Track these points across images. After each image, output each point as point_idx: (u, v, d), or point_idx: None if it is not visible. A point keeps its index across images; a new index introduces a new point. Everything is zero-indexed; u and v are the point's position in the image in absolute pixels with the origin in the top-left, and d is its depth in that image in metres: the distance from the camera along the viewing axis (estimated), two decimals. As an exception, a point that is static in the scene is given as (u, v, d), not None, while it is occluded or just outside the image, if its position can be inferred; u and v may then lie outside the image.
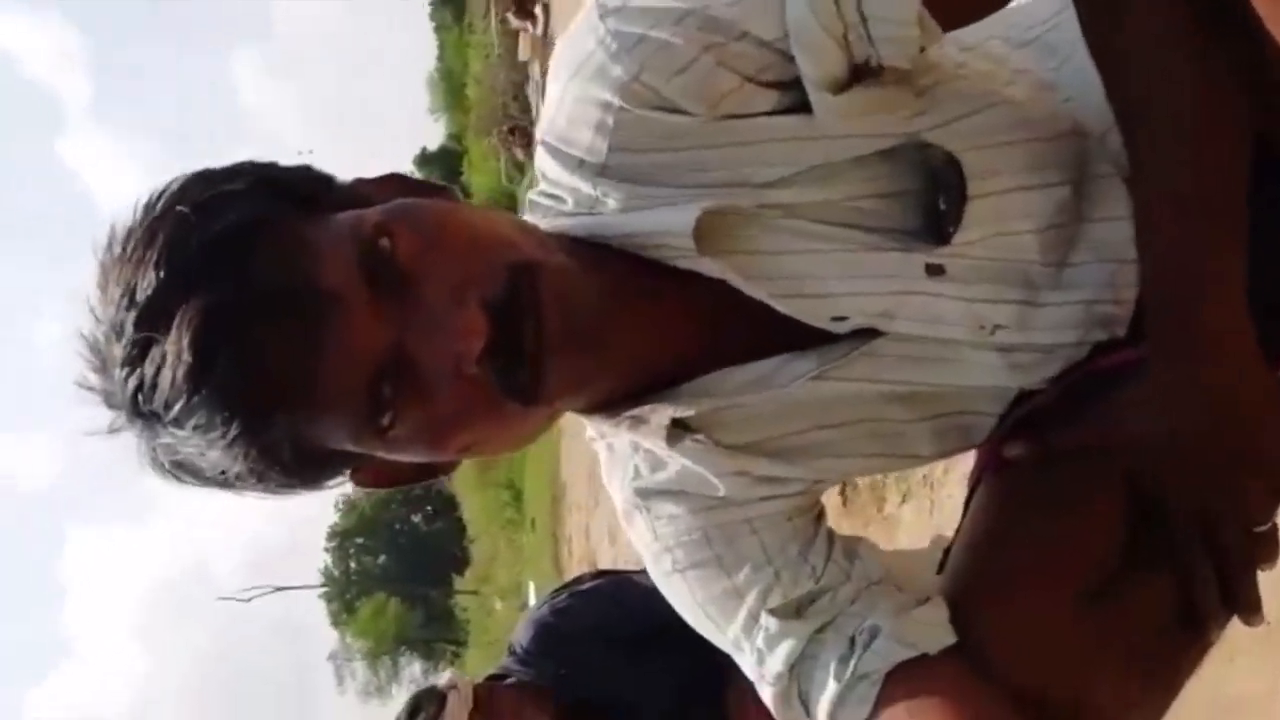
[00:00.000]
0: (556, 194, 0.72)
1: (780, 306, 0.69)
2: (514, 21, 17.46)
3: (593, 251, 0.69)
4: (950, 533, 0.83)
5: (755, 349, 0.72)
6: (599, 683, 2.02)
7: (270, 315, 0.58)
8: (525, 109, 17.82)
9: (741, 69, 0.66)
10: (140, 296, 0.59)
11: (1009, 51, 0.79)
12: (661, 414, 0.72)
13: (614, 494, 0.81)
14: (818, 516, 0.79)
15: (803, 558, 0.74)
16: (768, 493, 0.75)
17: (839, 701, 0.69)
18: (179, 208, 0.61)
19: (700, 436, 0.73)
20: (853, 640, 0.70)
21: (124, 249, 0.61)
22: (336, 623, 49.41)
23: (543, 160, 0.72)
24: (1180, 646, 0.69)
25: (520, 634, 2.09)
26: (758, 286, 0.68)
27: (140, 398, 0.60)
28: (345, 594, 48.35)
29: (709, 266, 0.68)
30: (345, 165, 0.81)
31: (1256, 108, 0.64)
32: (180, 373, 0.57)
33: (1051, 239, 0.72)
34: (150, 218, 0.61)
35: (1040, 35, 0.80)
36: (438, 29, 42.98)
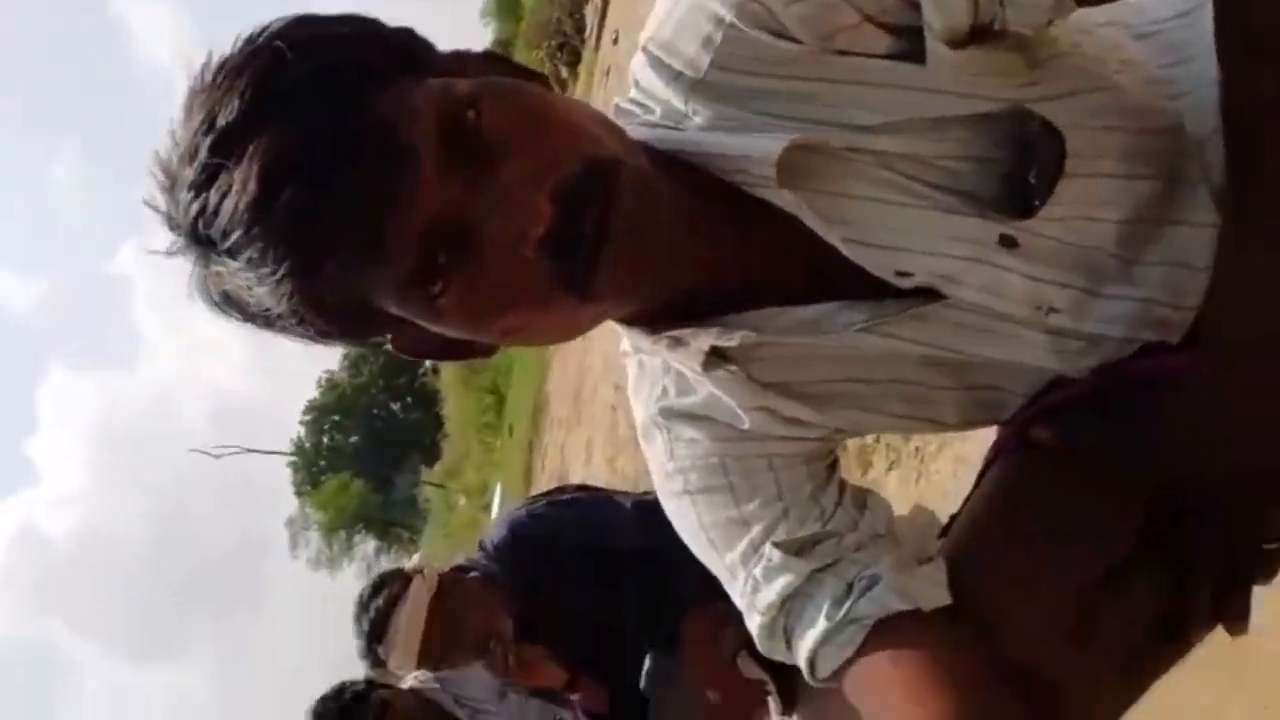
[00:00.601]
0: (646, 103, 0.71)
1: (848, 251, 0.68)
2: (582, -61, 17.00)
3: (670, 164, 0.68)
4: (932, 505, 0.84)
5: (808, 290, 0.71)
6: (560, 591, 2.06)
7: (341, 159, 0.57)
8: (579, 28, 17.42)
9: (862, 5, 0.64)
10: (220, 123, 0.58)
11: (1126, 41, 0.77)
12: (703, 339, 0.72)
13: (637, 409, 0.81)
14: (832, 464, 0.79)
15: (814, 499, 0.75)
16: (789, 433, 0.76)
17: (824, 640, 0.70)
18: (276, 43, 0.60)
19: (734, 368, 0.73)
20: (850, 585, 0.71)
21: (214, 77, 0.60)
22: (299, 492, 50.04)
23: (640, 68, 0.71)
24: (1162, 648, 0.70)
25: (494, 532, 2.12)
26: (829, 228, 0.67)
27: (200, 223, 0.59)
28: (313, 467, 48.88)
29: (785, 199, 0.66)
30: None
31: None
32: (243, 202, 0.57)
33: (1129, 232, 0.71)
34: (247, 50, 0.60)
35: (1162, 30, 0.78)
36: (500, -67, 41.98)
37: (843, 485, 0.78)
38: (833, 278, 0.70)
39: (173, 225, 0.62)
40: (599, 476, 5.05)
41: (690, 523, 0.78)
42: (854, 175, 0.68)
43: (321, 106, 0.57)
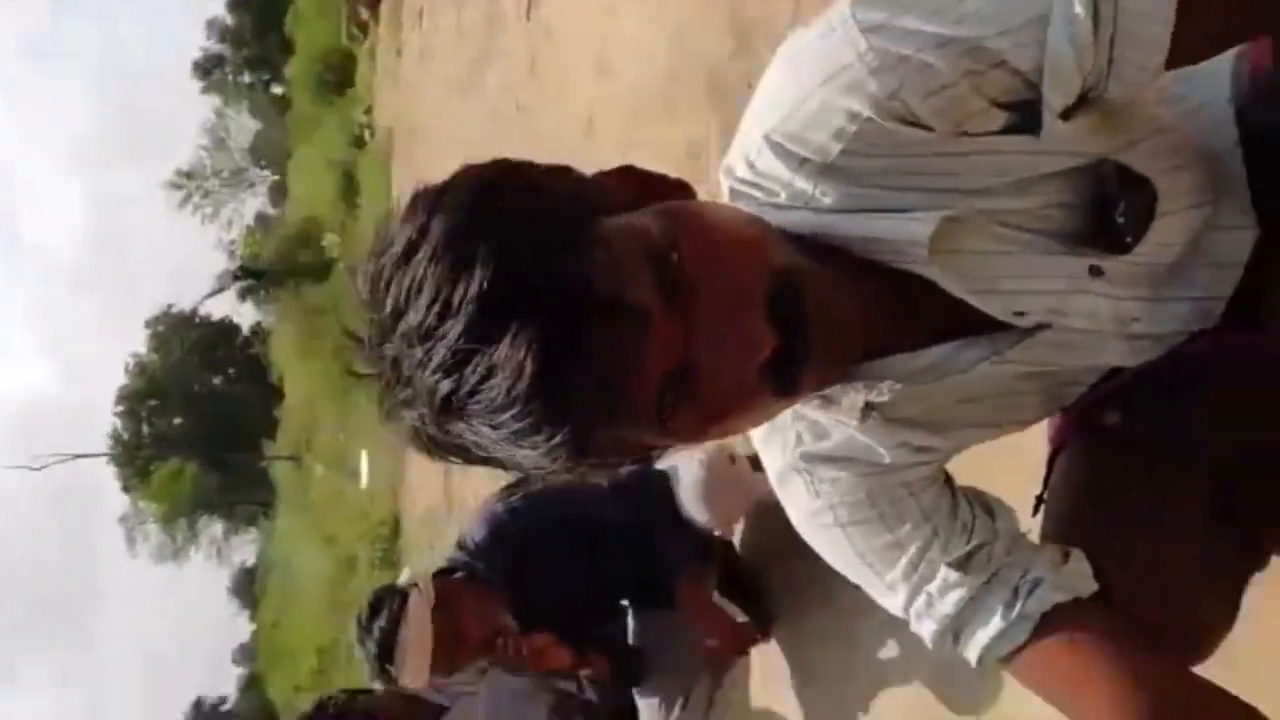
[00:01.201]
0: (766, 186, 0.76)
1: (977, 303, 0.76)
2: None
3: (814, 248, 0.73)
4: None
5: (929, 332, 0.80)
6: (552, 577, 2.14)
7: (594, 337, 0.61)
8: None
9: (989, 93, 0.71)
10: (465, 309, 0.60)
11: None
12: (855, 396, 0.80)
13: (770, 458, 0.88)
14: (947, 478, 0.89)
15: (953, 515, 0.84)
16: (920, 460, 0.85)
17: (999, 636, 0.81)
18: (490, 222, 0.62)
19: (877, 414, 0.82)
20: (1016, 589, 0.81)
21: (423, 250, 0.62)
22: (128, 487, 47.03)
23: (758, 153, 0.75)
24: (1242, 579, 0.85)
25: (474, 530, 2.16)
26: (960, 285, 0.76)
27: (454, 400, 0.62)
28: (136, 459, 45.94)
29: (934, 272, 0.74)
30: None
31: None
32: (519, 388, 0.60)
33: (1188, 247, 0.82)
34: (457, 223, 0.62)
35: None
36: None
37: (965, 495, 0.88)
38: (948, 318, 0.79)
39: (408, 401, 0.64)
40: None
41: (845, 550, 0.86)
42: (975, 233, 0.76)
43: (562, 288, 0.61)
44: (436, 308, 0.61)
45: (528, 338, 0.59)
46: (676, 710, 2.31)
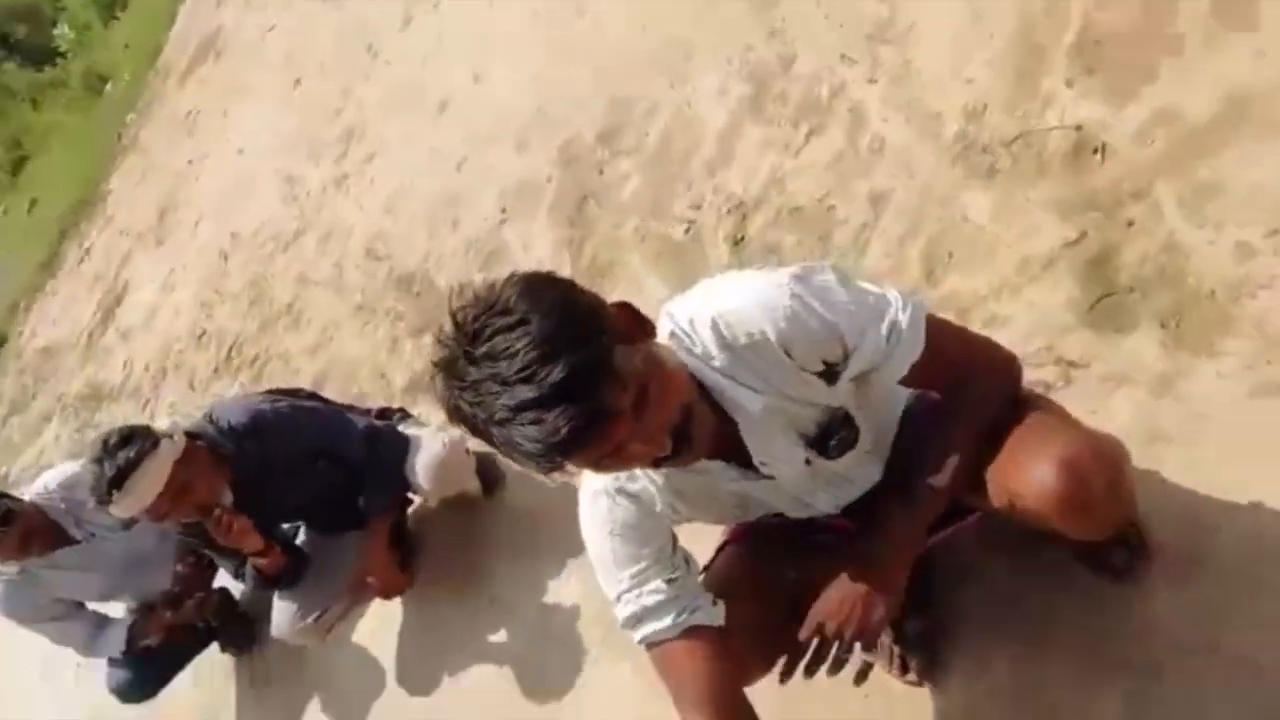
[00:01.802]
0: (693, 339, 1.26)
1: (750, 449, 1.33)
2: None
3: (700, 385, 1.26)
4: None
5: (721, 452, 1.33)
6: (279, 477, 2.49)
7: (600, 420, 1.07)
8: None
9: (824, 355, 1.26)
10: (543, 385, 1.03)
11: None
12: (666, 468, 1.30)
13: (593, 480, 1.40)
14: (673, 534, 1.48)
15: (671, 553, 1.42)
16: (674, 517, 1.43)
17: (663, 630, 1.39)
18: (577, 352, 1.04)
19: (669, 482, 1.38)
20: (684, 608, 1.39)
21: (528, 332, 1.04)
22: None
23: (702, 323, 1.25)
24: (780, 652, 1.45)
25: (231, 412, 2.46)
26: (748, 436, 1.31)
27: (504, 419, 1.06)
28: None
29: (742, 424, 1.29)
30: None
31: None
32: (553, 439, 1.05)
33: (854, 470, 1.47)
34: (548, 330, 1.04)
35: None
36: None
37: (679, 546, 1.44)
38: (734, 449, 1.33)
39: (471, 402, 1.07)
40: (185, 313, 4.97)
41: (607, 548, 1.40)
42: (769, 413, 1.30)
43: (595, 397, 1.05)
44: (525, 373, 1.03)
45: (569, 415, 1.04)
46: (310, 619, 2.67)
